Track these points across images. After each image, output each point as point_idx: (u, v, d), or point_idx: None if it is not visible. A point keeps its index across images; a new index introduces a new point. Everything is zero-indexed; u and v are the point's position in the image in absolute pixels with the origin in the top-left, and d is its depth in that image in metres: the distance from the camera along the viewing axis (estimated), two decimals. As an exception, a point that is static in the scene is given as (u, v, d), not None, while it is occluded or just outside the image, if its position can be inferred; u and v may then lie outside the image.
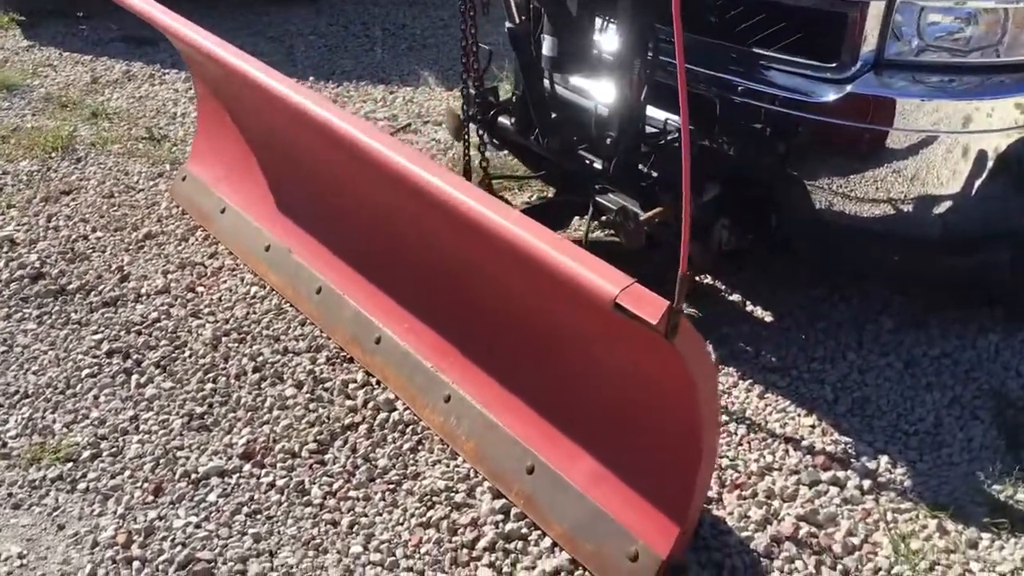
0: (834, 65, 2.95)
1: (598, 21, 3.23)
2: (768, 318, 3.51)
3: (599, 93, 3.30)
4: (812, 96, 2.97)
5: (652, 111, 3.22)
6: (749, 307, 3.57)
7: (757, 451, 2.91)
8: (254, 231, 3.69)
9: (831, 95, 2.93)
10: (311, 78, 5.81)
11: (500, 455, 2.73)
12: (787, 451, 2.91)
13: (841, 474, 2.82)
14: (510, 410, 2.77)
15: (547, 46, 3.16)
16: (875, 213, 3.07)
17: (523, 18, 3.32)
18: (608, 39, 3.22)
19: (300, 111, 2.96)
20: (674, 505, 2.39)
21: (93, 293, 3.58)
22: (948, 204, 3.04)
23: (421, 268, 3.09)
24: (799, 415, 3.06)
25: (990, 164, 2.97)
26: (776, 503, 2.72)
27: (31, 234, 3.97)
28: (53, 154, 4.68)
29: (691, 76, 3.23)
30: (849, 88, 2.91)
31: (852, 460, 2.88)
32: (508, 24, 3.33)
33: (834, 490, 2.77)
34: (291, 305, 3.50)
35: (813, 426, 3.02)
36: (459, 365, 2.93)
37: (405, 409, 3.00)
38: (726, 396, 3.13)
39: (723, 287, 3.66)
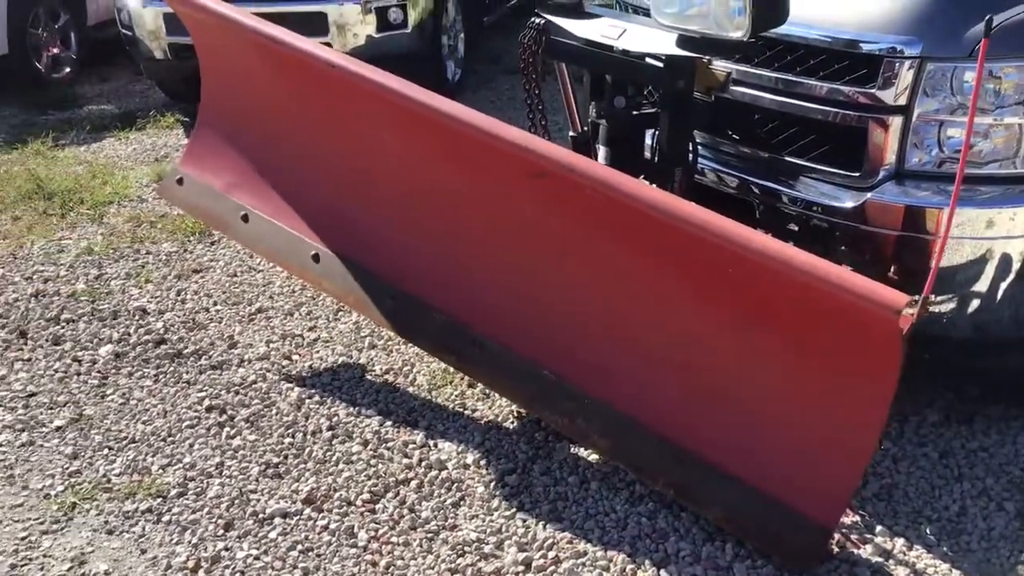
0: (857, 174, 3.19)
1: (648, 132, 3.54)
2: (813, 407, 3.68)
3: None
4: (835, 202, 3.21)
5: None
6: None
7: (777, 527, 3.10)
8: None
9: (850, 202, 3.17)
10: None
11: (641, 451, 3.02)
12: (806, 529, 3.09)
13: (855, 552, 2.97)
14: (653, 407, 3.04)
15: (602, 155, 3.49)
16: (905, 313, 3.24)
17: (584, 128, 3.68)
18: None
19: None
20: (836, 485, 2.79)
21: (204, 357, 4.05)
22: (976, 306, 3.18)
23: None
24: (825, 496, 3.23)
25: (1016, 268, 3.14)
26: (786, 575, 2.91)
27: (160, 305, 4.50)
28: (191, 238, 5.26)
29: (734, 182, 3.51)
30: (869, 196, 3.13)
31: (869, 540, 3.02)
32: (571, 132, 3.70)
33: (845, 567, 2.92)
34: (370, 374, 3.89)
35: (837, 507, 3.18)
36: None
37: (455, 468, 3.32)
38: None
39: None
